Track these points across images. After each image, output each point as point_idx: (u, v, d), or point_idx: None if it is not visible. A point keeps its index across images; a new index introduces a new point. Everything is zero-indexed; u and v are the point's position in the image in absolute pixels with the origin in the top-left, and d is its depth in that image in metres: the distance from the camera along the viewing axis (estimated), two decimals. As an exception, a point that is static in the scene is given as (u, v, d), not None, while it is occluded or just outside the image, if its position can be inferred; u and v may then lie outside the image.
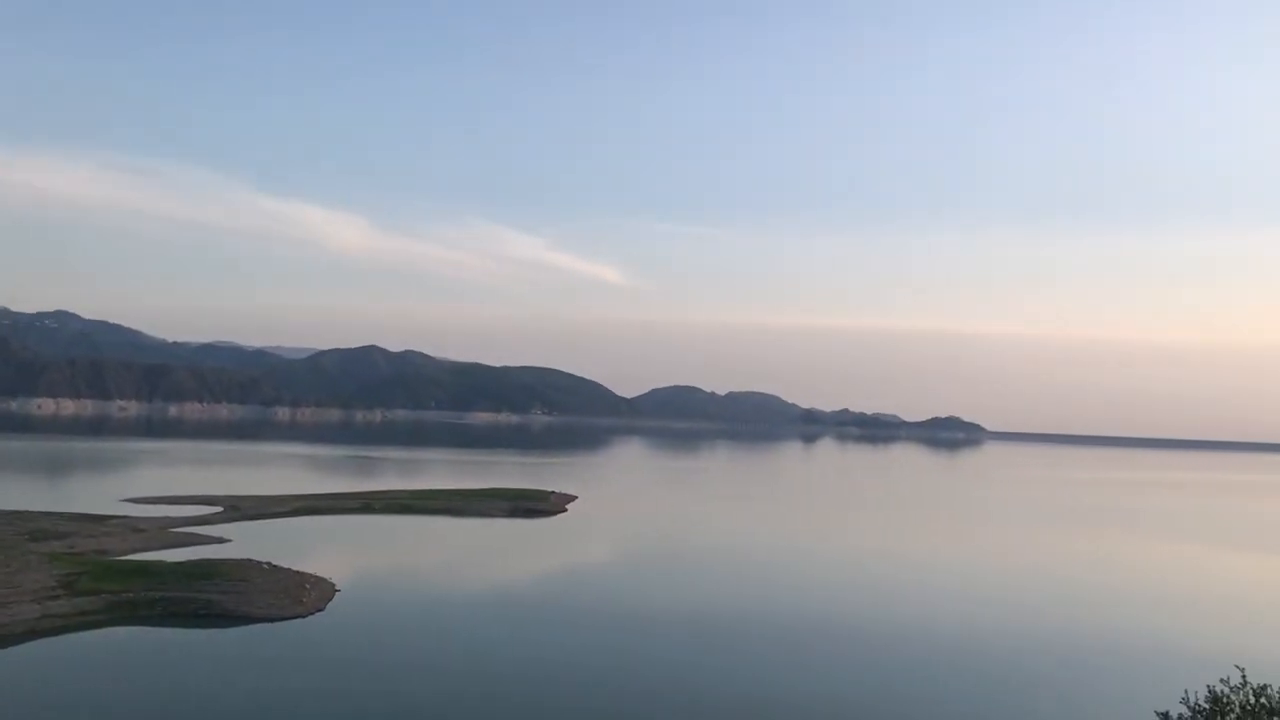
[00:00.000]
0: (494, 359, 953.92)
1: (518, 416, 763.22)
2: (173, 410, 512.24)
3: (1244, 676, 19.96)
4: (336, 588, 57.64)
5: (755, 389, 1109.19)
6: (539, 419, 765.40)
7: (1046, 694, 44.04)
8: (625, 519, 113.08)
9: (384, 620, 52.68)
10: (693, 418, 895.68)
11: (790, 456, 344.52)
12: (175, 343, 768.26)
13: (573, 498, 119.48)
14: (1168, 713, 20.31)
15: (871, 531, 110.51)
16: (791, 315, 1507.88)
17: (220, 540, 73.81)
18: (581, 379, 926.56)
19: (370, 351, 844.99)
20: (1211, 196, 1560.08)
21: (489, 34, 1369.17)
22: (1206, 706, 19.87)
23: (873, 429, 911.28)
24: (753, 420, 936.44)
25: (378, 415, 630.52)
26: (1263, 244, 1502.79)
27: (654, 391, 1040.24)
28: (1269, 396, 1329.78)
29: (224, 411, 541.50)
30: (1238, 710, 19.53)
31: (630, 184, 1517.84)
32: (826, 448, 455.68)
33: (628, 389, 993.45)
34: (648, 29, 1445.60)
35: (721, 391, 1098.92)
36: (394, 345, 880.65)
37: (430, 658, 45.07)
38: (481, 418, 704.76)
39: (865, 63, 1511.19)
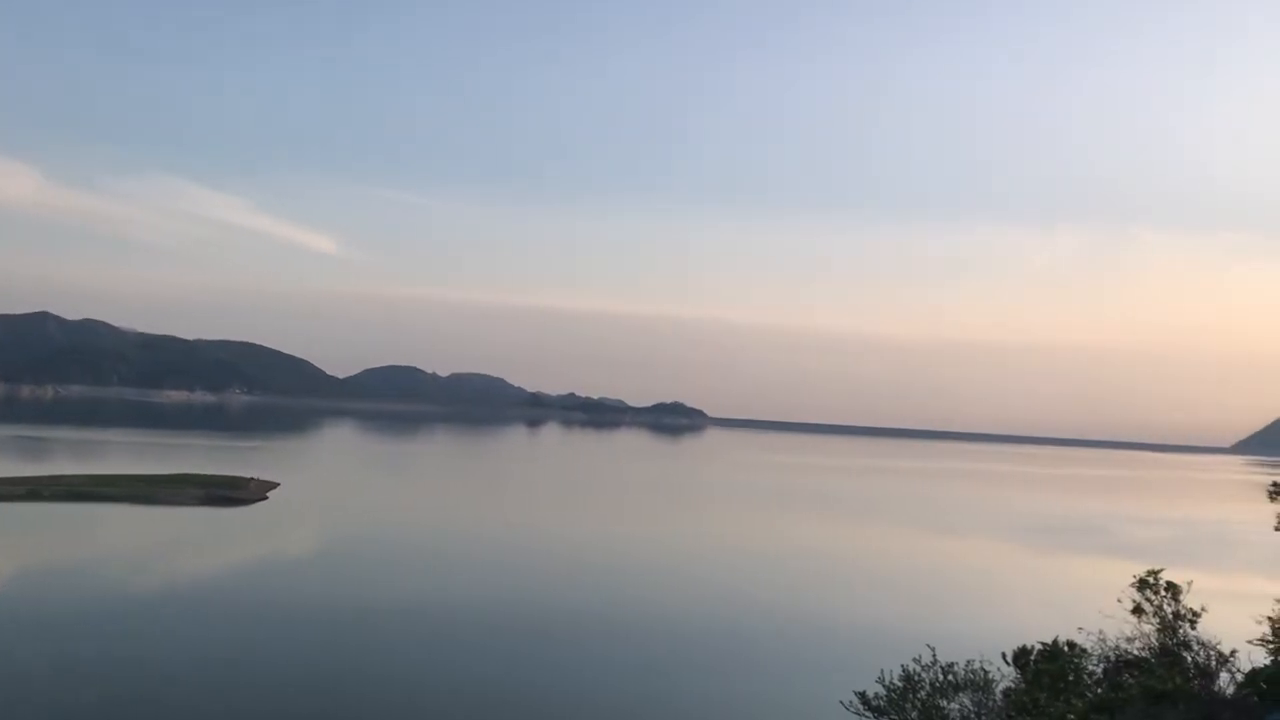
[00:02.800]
0: (188, 331, 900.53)
1: (214, 395, 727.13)
2: None
3: (934, 655, 21.72)
4: (-8, 587, 53.01)
5: (479, 371, 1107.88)
6: (238, 399, 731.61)
7: (752, 677, 46.56)
8: (331, 508, 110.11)
9: (48, 620, 49.06)
10: (411, 400, 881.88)
11: (512, 442, 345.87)
12: None
13: (274, 485, 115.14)
14: (865, 692, 21.87)
15: (582, 517, 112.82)
16: (518, 295, 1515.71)
17: None
18: (287, 356, 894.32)
19: (41, 319, 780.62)
20: (933, 194, 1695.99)
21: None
22: (900, 685, 21.50)
23: (598, 414, 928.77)
24: (476, 403, 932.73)
25: (49, 391, 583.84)
26: (980, 241, 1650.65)
27: (368, 371, 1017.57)
28: (980, 389, 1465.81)
29: None
30: (928, 687, 21.25)
31: (348, 144, 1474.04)
32: (551, 433, 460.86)
33: (339, 368, 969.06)
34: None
35: (443, 373, 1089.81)
36: (70, 313, 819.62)
37: (95, 661, 42.42)
38: (172, 396, 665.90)
39: (601, 42, 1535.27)
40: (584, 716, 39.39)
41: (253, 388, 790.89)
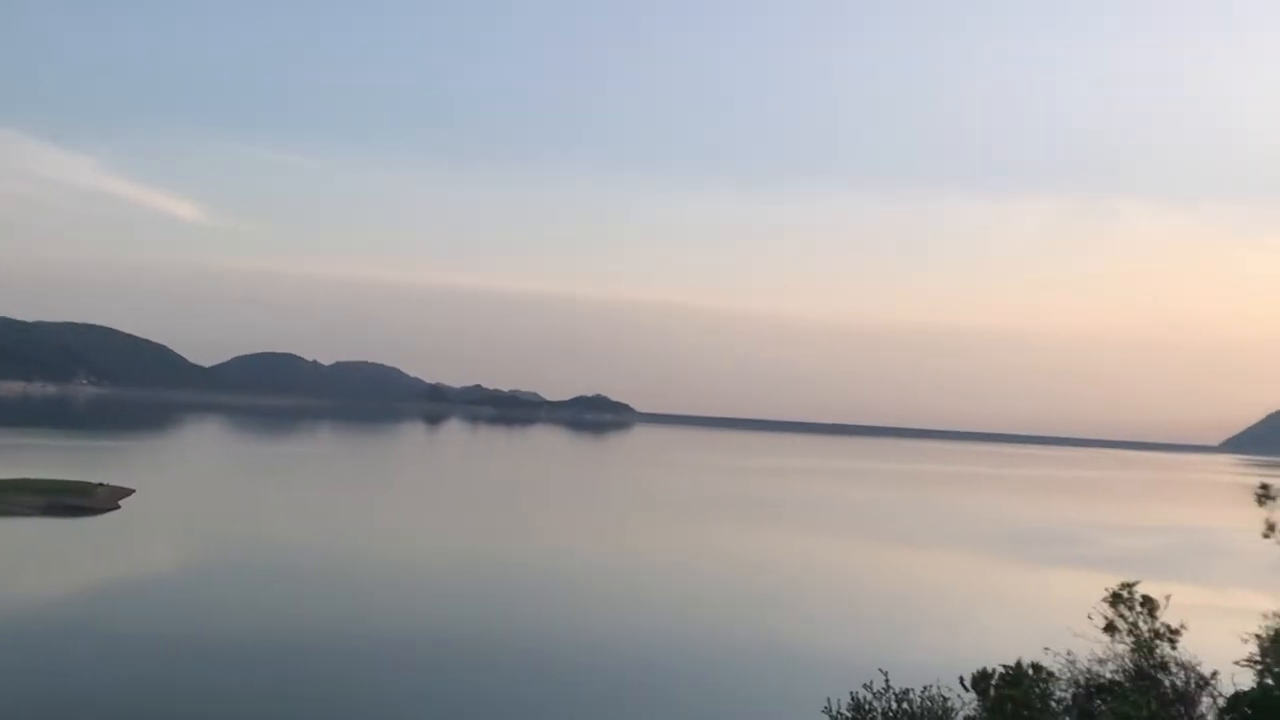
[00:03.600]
0: (24, 312, 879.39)
1: (55, 386, 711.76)
2: None
3: (887, 681, 22.05)
4: None
5: (369, 359, 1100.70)
6: (84, 390, 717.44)
7: (687, 708, 46.90)
8: (193, 519, 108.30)
9: None
10: (289, 392, 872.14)
11: (404, 442, 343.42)
12: None
13: (128, 491, 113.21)
14: (812, 724, 22.19)
15: (486, 532, 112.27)
16: (417, 273, 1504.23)
17: None
18: (143, 341, 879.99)
19: None
20: (890, 162, 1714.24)
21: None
22: (849, 715, 21.82)
23: (510, 409, 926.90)
24: (364, 396, 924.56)
25: None
26: (946, 214, 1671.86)
27: (239, 359, 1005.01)
28: (945, 380, 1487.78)
29: None
30: (880, 716, 21.61)
31: (216, 96, 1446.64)
32: (451, 431, 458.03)
33: (205, 355, 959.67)
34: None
35: (327, 361, 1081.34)
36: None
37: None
38: (7, 388, 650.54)
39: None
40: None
41: (102, 378, 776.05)
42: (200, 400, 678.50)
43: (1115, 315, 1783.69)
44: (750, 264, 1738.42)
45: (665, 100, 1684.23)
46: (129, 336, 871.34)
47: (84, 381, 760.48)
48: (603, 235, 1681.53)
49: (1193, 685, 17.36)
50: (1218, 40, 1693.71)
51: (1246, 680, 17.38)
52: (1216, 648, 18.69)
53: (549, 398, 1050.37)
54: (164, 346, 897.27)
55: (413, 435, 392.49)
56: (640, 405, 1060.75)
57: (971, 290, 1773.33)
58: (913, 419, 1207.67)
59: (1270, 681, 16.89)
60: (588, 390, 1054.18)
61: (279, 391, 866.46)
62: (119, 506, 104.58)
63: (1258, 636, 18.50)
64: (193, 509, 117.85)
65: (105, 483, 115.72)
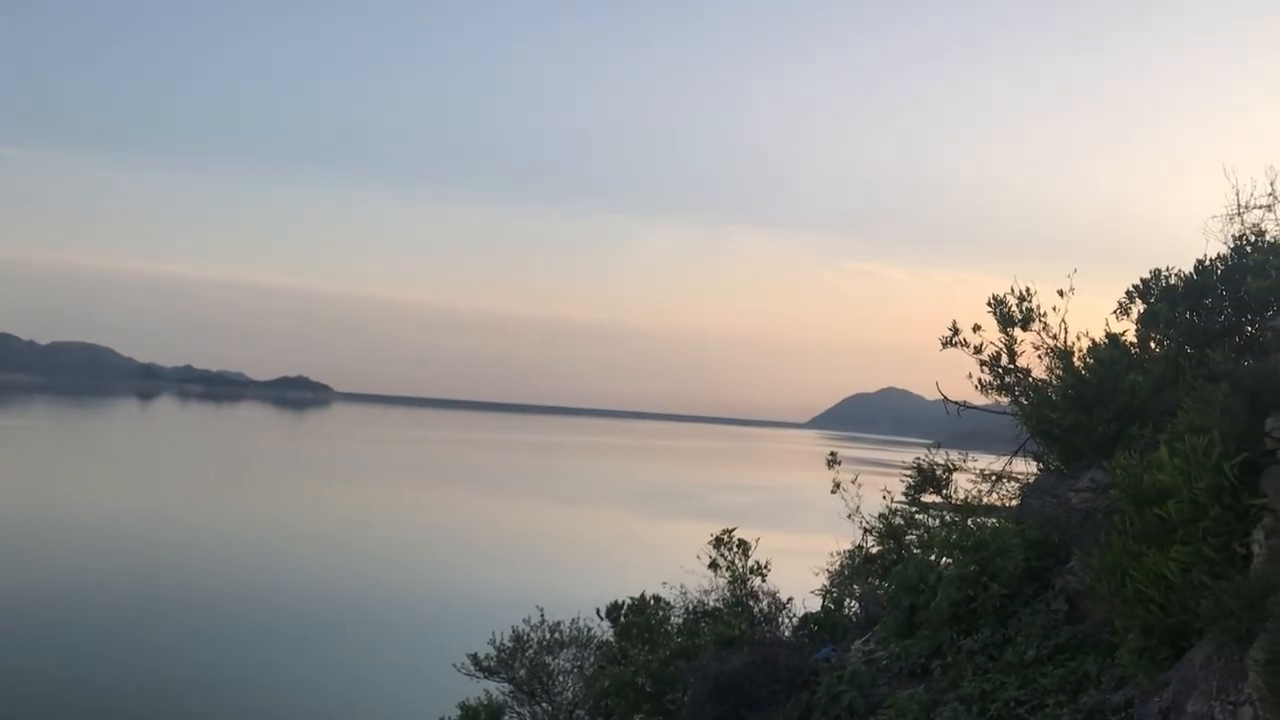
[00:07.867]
0: None
1: None
2: None
3: (543, 615, 22.64)
4: None
5: (84, 339, 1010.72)
6: None
7: (365, 649, 46.08)
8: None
9: None
10: (6, 369, 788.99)
11: (119, 416, 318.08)
12: None
13: None
14: (476, 654, 22.35)
15: (173, 495, 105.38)
16: (130, 259, 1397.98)
17: None
18: None
19: None
20: (548, 181, 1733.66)
21: None
22: (510, 645, 22.19)
23: (217, 387, 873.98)
24: (80, 374, 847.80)
25: None
26: (596, 228, 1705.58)
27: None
28: (594, 367, 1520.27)
29: None
30: (535, 645, 22.14)
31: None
32: (159, 407, 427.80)
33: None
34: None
35: (42, 340, 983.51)
36: None
37: None
38: None
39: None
40: (181, 699, 37.35)
41: None
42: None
43: (729, 317, 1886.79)
44: (439, 262, 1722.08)
45: (328, 110, 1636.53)
46: None
47: None
48: (311, 230, 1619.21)
49: (775, 609, 18.62)
50: (806, 93, 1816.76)
51: (815, 605, 18.81)
52: (794, 580, 20.13)
53: (255, 377, 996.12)
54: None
55: (125, 409, 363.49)
56: (340, 385, 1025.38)
57: (618, 293, 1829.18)
58: (571, 399, 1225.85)
59: (831, 605, 18.39)
60: (290, 371, 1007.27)
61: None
62: None
63: (827, 571, 20.20)
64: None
65: None
